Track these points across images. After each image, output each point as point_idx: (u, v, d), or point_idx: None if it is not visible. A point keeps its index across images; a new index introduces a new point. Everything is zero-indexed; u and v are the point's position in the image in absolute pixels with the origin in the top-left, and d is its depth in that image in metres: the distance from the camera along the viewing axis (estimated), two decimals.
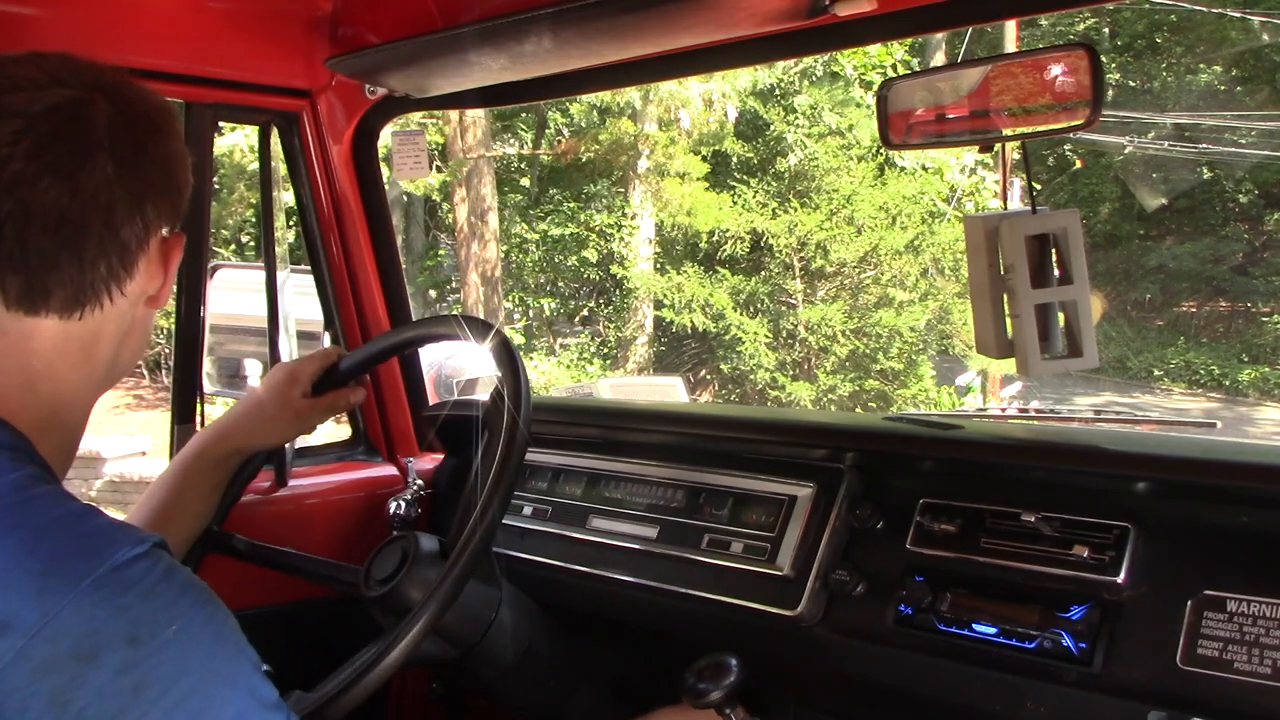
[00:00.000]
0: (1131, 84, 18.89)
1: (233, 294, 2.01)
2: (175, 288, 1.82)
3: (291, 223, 2.01)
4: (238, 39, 1.68)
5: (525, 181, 17.67)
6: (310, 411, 1.46)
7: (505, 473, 1.21)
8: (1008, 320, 1.34)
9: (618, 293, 15.86)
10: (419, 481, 1.92)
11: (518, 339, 15.05)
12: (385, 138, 2.02)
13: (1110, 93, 16.70)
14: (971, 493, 1.35)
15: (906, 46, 15.24)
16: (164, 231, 0.95)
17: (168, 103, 0.96)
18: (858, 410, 12.90)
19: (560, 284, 17.09)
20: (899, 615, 1.32)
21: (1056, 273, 1.33)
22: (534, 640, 1.43)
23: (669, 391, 11.34)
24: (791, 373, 13.80)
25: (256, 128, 1.89)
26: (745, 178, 15.04)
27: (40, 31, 1.47)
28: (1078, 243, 1.32)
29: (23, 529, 0.78)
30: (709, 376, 15.05)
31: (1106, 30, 19.28)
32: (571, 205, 16.34)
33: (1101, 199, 18.61)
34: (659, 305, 14.77)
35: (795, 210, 13.99)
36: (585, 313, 17.00)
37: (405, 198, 16.22)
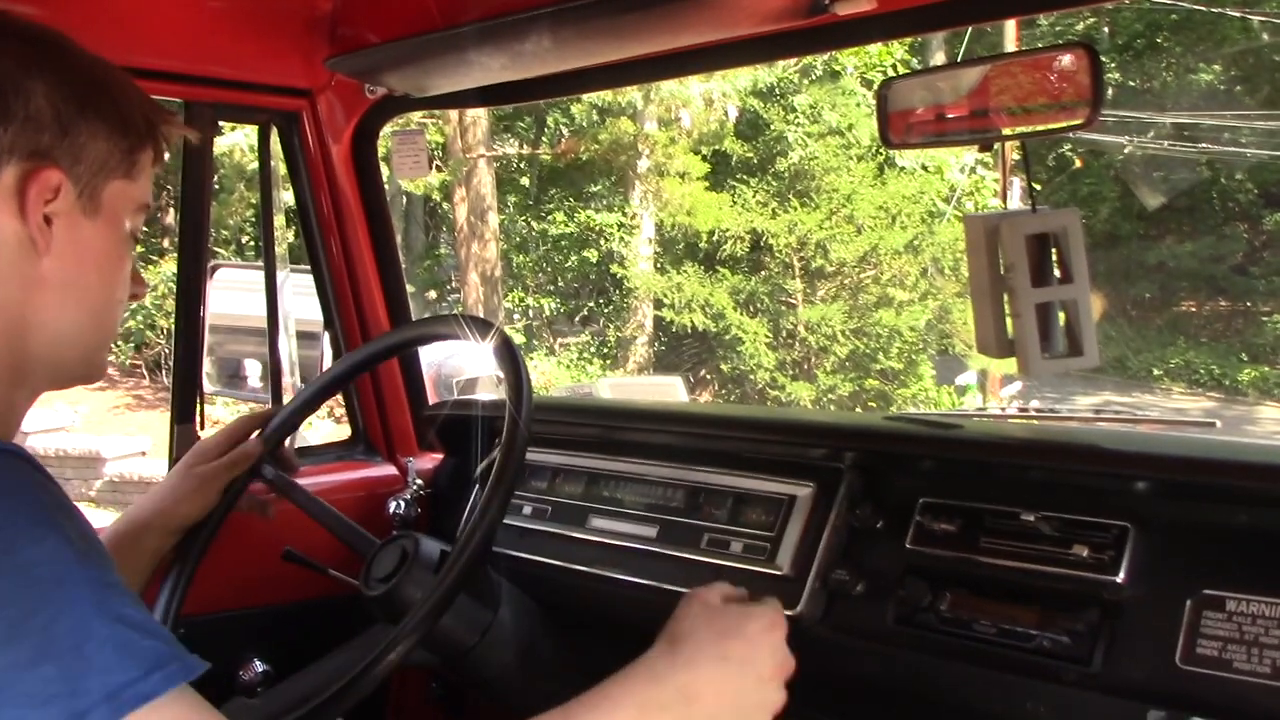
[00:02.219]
0: (1131, 83, 18.88)
1: (233, 294, 2.02)
2: (175, 287, 1.83)
3: (291, 222, 2.02)
4: (237, 38, 1.68)
5: (525, 181, 17.65)
6: (213, 476, 1.43)
7: (505, 472, 1.21)
8: (1008, 320, 1.34)
9: (618, 292, 15.86)
10: (419, 481, 1.92)
11: (518, 339, 15.04)
12: (385, 137, 2.02)
13: (1110, 92, 16.67)
14: (971, 492, 1.35)
15: (906, 46, 15.23)
16: (14, 164, 0.86)
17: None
18: (858, 410, 12.90)
19: (560, 284, 17.08)
20: (899, 614, 1.32)
21: (1057, 272, 1.33)
22: (533, 640, 1.43)
23: (669, 391, 11.31)
24: (791, 372, 13.80)
25: (256, 127, 1.89)
26: (745, 177, 15.04)
27: None
28: (1078, 242, 1.32)
29: None
30: (709, 376, 15.04)
31: (1106, 30, 19.28)
32: (572, 205, 16.33)
33: (1101, 198, 18.59)
34: (659, 305, 14.76)
35: (795, 210, 13.99)
36: (585, 312, 16.99)
37: (404, 198, 16.21)
